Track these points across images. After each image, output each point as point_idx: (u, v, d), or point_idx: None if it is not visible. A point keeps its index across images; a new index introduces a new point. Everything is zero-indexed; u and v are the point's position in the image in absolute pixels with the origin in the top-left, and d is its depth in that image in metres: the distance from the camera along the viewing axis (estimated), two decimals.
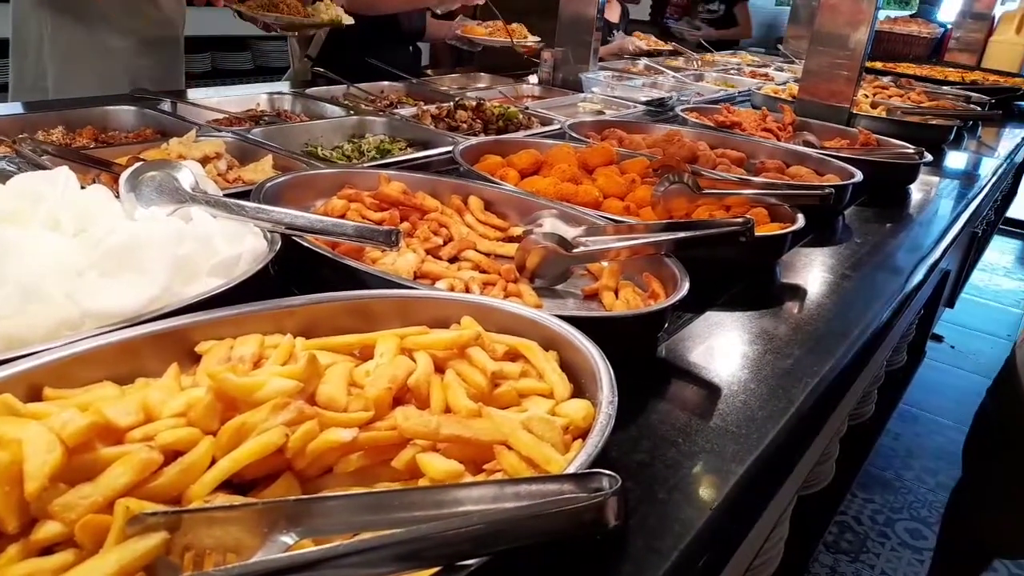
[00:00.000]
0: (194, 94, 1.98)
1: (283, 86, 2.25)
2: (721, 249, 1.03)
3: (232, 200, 0.89)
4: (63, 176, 0.81)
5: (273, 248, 0.89)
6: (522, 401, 0.70)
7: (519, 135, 1.80)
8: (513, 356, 0.75)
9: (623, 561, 0.59)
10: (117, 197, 0.89)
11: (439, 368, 0.71)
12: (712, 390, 0.83)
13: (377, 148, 1.67)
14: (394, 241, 0.89)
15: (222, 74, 4.34)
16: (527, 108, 2.11)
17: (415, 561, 0.46)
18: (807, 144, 1.78)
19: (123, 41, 1.85)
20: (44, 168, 0.99)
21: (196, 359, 0.71)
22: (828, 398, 0.89)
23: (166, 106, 1.77)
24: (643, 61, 3.20)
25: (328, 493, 0.57)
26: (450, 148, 1.58)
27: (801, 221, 1.17)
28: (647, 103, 2.32)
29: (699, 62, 3.61)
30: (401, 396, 0.67)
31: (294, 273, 0.91)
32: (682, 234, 0.96)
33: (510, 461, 0.60)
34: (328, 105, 1.99)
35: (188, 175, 0.90)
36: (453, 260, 1.07)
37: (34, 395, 0.62)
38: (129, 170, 0.92)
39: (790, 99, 2.36)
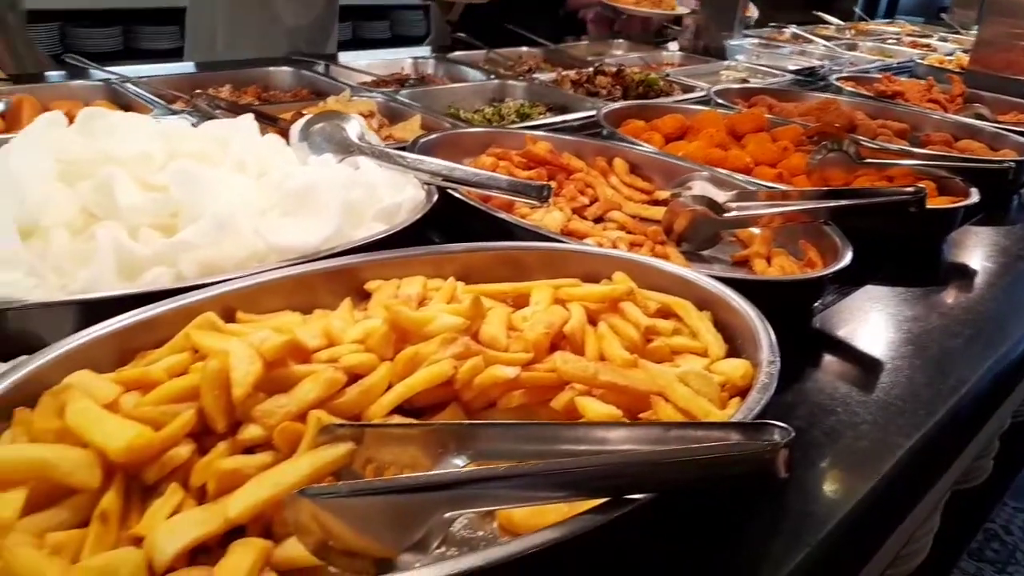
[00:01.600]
0: (344, 57, 2.07)
1: (425, 51, 2.31)
2: (886, 220, 0.97)
3: (395, 151, 0.93)
4: (248, 124, 0.88)
5: (430, 198, 0.92)
6: (675, 358, 0.70)
7: (663, 101, 1.76)
8: (665, 314, 0.75)
9: (780, 520, 0.59)
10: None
11: (591, 321, 0.72)
12: (872, 363, 0.80)
13: (517, 112, 1.68)
14: (545, 196, 0.91)
15: (362, 43, 4.50)
16: (667, 75, 2.06)
17: (582, 490, 0.47)
18: (979, 117, 1.64)
19: (285, 7, 1.96)
20: None
21: (363, 295, 0.76)
22: (1000, 385, 0.83)
23: (320, 68, 1.87)
24: (790, 29, 3.04)
25: (498, 421, 0.59)
26: (591, 113, 1.58)
27: (975, 196, 1.08)
28: (796, 72, 2.21)
29: (852, 31, 3.39)
30: (556, 343, 0.68)
31: (444, 224, 0.94)
32: (845, 202, 0.91)
33: (667, 412, 0.60)
34: (469, 69, 2.03)
35: (356, 126, 0.95)
36: (598, 220, 1.07)
37: (228, 317, 0.68)
38: (302, 120, 0.98)
39: (958, 70, 2.18)
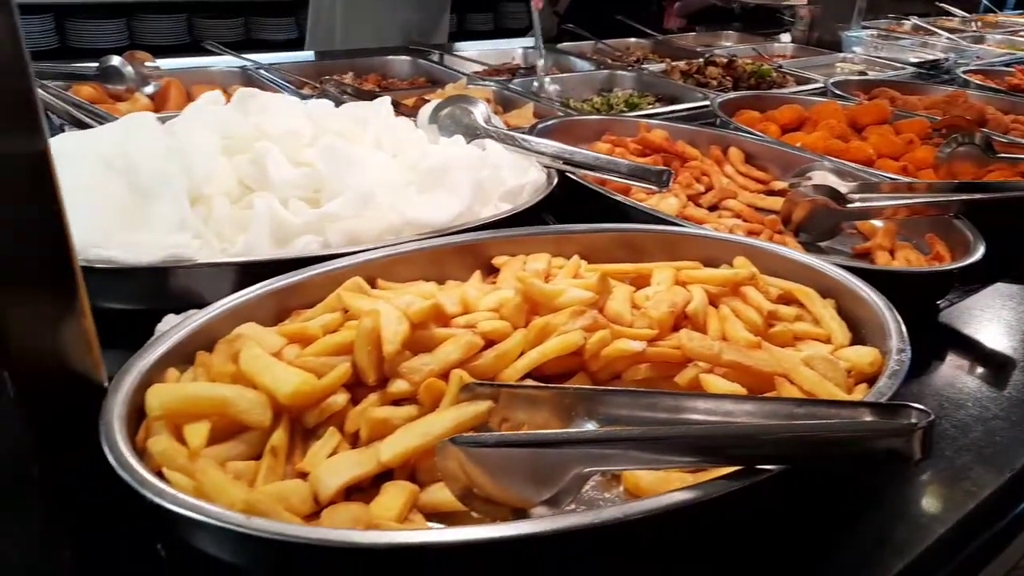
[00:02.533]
0: (454, 47, 2.13)
1: (533, 41, 2.34)
2: (1020, 216, 0.93)
3: (519, 134, 0.97)
4: (385, 106, 0.93)
5: (551, 181, 0.95)
6: (797, 344, 0.70)
7: (778, 92, 1.73)
8: (787, 301, 0.75)
9: (905, 507, 0.59)
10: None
11: (711, 304, 0.73)
12: (1003, 360, 0.77)
13: (626, 101, 1.69)
14: (665, 181, 0.92)
15: (468, 34, 4.58)
16: (780, 66, 2.01)
17: (718, 456, 0.49)
18: None
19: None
20: None
21: (488, 269, 0.79)
22: None
23: (434, 57, 1.93)
24: (911, 21, 2.90)
25: (627, 388, 0.62)
26: (702, 103, 1.57)
27: None
28: (918, 65, 2.11)
29: (978, 23, 3.20)
30: (678, 323, 0.70)
31: (560, 206, 0.97)
32: (979, 195, 0.88)
33: (792, 394, 0.61)
34: (577, 60, 2.04)
35: (483, 110, 0.98)
36: (712, 209, 1.08)
37: (368, 283, 0.73)
38: (431, 104, 1.03)
39: None
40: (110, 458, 0.47)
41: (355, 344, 0.59)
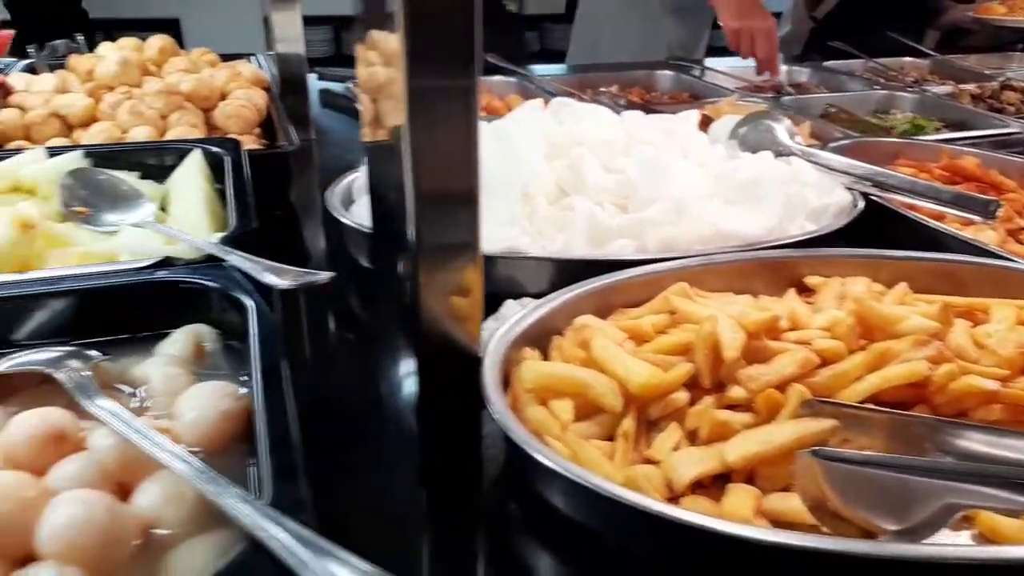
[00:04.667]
0: (713, 63, 2.12)
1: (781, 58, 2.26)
2: None
3: (825, 153, 0.94)
4: (692, 118, 0.96)
5: (856, 203, 0.92)
6: None
7: None
8: None
9: None
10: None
11: None
12: None
13: (911, 124, 1.58)
14: (992, 212, 0.85)
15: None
16: None
17: None
18: None
19: (666, 16, 2.06)
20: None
21: (788, 288, 0.78)
22: None
23: (696, 72, 1.93)
24: None
25: (986, 424, 0.58)
26: (1003, 130, 1.43)
27: None
28: None
29: None
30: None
31: (860, 229, 0.93)
32: None
33: None
34: (846, 78, 1.95)
35: (788, 127, 0.97)
36: None
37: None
38: (725, 118, 1.03)
39: None
40: (498, 420, 0.53)
41: (694, 347, 0.61)
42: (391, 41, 0.52)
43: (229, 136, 1.03)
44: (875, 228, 0.94)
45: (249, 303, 0.54)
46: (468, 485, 0.61)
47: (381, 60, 0.60)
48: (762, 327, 0.62)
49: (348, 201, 0.94)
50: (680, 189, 0.83)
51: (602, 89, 1.72)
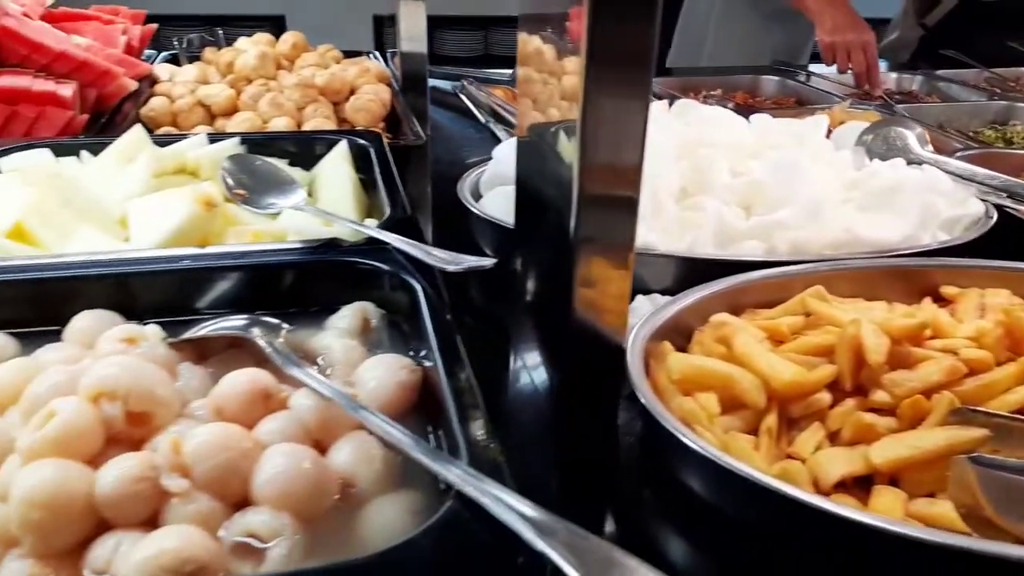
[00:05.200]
0: (819, 68, 2.08)
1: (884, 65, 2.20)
2: None
3: (960, 163, 0.92)
4: (821, 123, 0.95)
5: (990, 215, 0.90)
6: None
7: None
8: None
9: None
10: None
11: None
12: None
13: None
14: None
15: None
16: None
17: None
18: None
19: (772, 20, 2.04)
20: None
21: (921, 297, 0.77)
22: None
23: (801, 78, 1.90)
24: None
25: None
26: None
27: None
28: None
29: None
30: None
31: (994, 242, 0.91)
32: None
33: None
34: (959, 88, 1.88)
35: (919, 136, 0.96)
36: None
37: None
38: (850, 125, 1.02)
39: None
40: (648, 407, 0.55)
41: (836, 349, 0.62)
42: (566, 40, 0.55)
43: (370, 129, 1.09)
44: (1010, 240, 0.91)
45: (417, 284, 0.58)
46: (603, 470, 0.63)
47: (547, 59, 0.63)
48: (907, 333, 0.62)
49: (476, 195, 0.98)
50: (812, 193, 0.83)
51: (706, 93, 1.72)
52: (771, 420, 0.58)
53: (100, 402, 0.43)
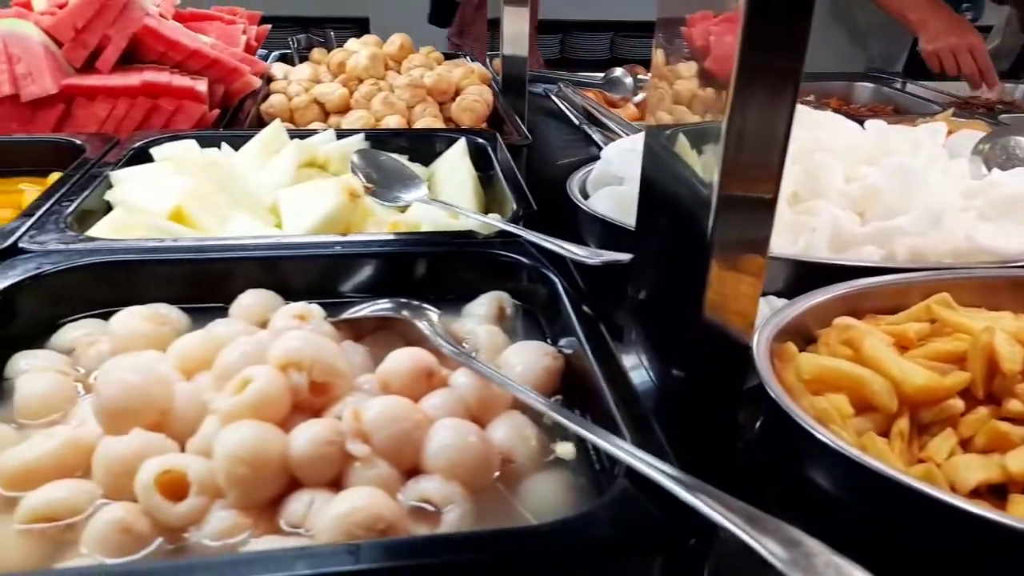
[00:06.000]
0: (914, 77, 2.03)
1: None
2: None
3: None
4: (940, 130, 0.94)
5: None
6: None
7: None
8: None
9: None
10: None
11: None
12: None
13: None
14: None
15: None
16: None
17: None
18: None
19: (870, 27, 2.00)
20: None
21: None
22: None
23: (897, 85, 1.86)
24: None
25: None
26: None
27: None
28: None
29: None
30: None
31: None
32: None
33: None
34: None
35: None
36: None
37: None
38: (962, 134, 1.00)
39: None
40: (781, 405, 0.56)
41: (968, 356, 0.62)
42: (683, 45, 0.56)
43: (485, 129, 1.12)
44: None
45: (554, 277, 0.60)
46: (724, 466, 0.64)
47: (677, 65, 0.64)
48: None
49: (583, 194, 1.00)
50: (931, 200, 0.83)
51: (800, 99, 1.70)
52: (903, 424, 0.58)
53: (288, 371, 0.47)
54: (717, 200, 0.57)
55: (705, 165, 0.59)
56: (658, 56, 0.70)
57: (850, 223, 0.84)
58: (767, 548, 0.33)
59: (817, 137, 0.94)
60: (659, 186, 0.74)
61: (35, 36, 1.04)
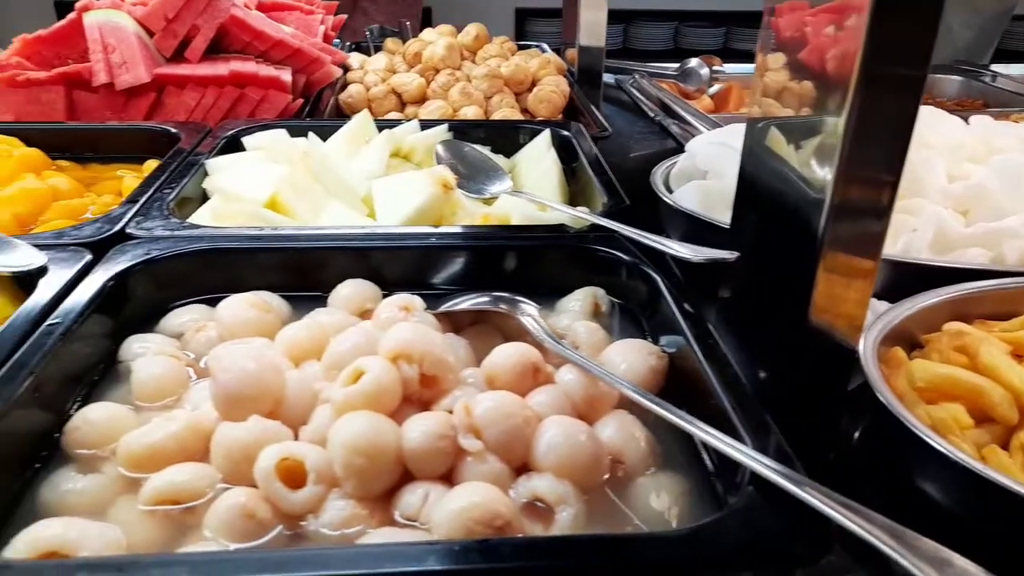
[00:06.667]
0: (1003, 68, 1.94)
1: None
2: None
3: None
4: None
5: None
6: None
7: None
8: None
9: None
10: None
11: None
12: None
13: None
14: None
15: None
16: None
17: None
18: None
19: (955, 16, 1.92)
20: None
21: None
22: None
23: (987, 78, 1.78)
24: None
25: None
26: None
27: None
28: None
29: None
30: None
31: None
32: None
33: None
34: None
35: None
36: None
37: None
38: None
39: None
40: (894, 412, 0.54)
41: None
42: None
43: (569, 120, 1.11)
44: None
45: (655, 274, 0.59)
46: (827, 472, 0.62)
47: (783, 59, 0.62)
48: None
49: (667, 187, 0.98)
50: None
51: None
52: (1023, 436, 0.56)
53: (399, 363, 0.47)
54: (831, 202, 0.55)
55: (815, 165, 0.57)
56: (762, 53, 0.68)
57: (954, 223, 0.80)
58: (919, 569, 0.31)
59: (920, 132, 0.90)
60: (760, 183, 0.72)
61: (129, 26, 1.07)
